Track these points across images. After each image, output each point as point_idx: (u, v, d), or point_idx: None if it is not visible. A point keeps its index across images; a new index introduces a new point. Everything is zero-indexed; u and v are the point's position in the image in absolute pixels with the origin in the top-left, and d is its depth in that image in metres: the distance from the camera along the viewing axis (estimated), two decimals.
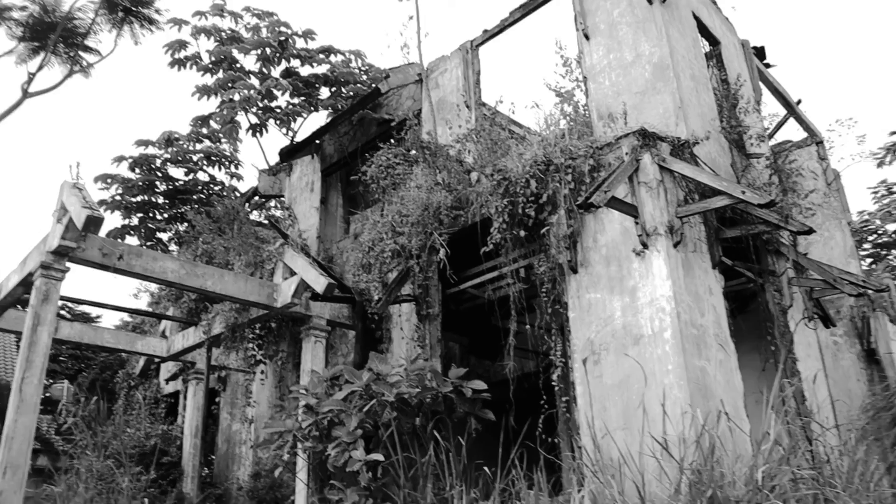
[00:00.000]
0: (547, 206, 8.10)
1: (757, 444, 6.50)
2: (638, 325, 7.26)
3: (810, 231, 7.91)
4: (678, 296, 7.14)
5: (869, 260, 23.94)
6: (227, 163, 18.61)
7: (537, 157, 8.19)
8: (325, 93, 16.67)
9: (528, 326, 8.87)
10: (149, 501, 10.03)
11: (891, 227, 23.62)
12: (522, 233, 8.15)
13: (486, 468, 6.98)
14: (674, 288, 7.11)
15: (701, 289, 7.66)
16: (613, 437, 6.92)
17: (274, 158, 17.91)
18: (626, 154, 7.69)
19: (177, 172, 18.60)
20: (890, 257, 24.07)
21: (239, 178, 19.07)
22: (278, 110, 16.13)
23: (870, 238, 24.17)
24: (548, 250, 8.05)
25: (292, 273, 9.13)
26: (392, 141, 11.12)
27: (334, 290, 8.97)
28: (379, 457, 7.20)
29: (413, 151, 10.40)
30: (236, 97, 15.36)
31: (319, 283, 8.65)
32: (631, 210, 7.40)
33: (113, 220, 19.57)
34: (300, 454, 8.34)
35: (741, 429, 7.09)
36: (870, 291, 10.88)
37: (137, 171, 18.04)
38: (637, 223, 7.39)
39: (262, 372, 11.28)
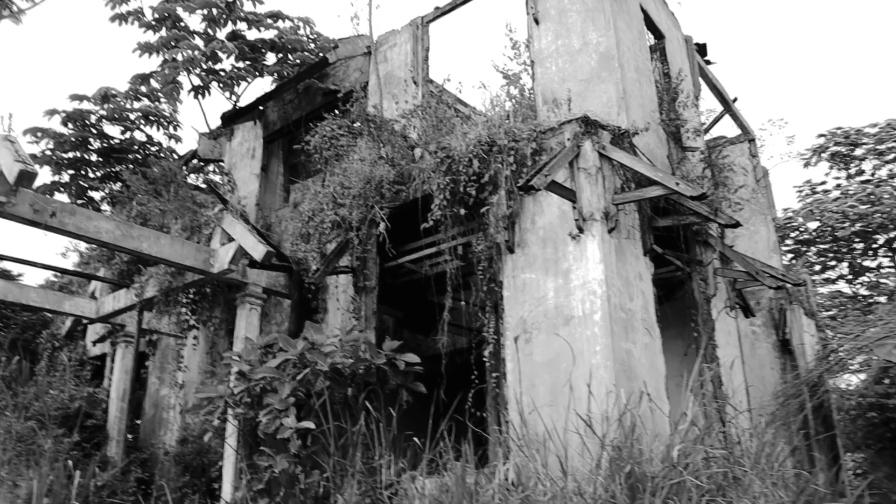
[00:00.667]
0: (488, 186, 8.24)
1: (675, 424, 6.83)
2: (569, 307, 7.50)
3: (737, 225, 8.27)
4: (609, 280, 7.39)
5: (790, 255, 24.98)
6: (165, 123, 18.16)
7: (481, 138, 8.31)
8: (271, 59, 16.39)
9: (462, 303, 9.04)
10: (71, 464, 9.88)
11: (812, 224, 24.67)
12: (462, 211, 8.29)
13: (415, 439, 7.14)
14: (606, 272, 7.36)
15: (632, 274, 7.94)
16: (540, 413, 7.15)
17: (215, 122, 17.57)
18: (569, 140, 7.88)
19: (112, 130, 18.06)
20: (809, 254, 25.17)
21: (178, 139, 18.65)
22: (222, 73, 15.81)
23: (792, 234, 25.21)
24: (486, 229, 8.20)
25: (230, 239, 9.06)
26: (337, 112, 11.07)
27: (272, 258, 8.95)
28: (310, 425, 7.27)
29: (358, 124, 10.39)
30: (179, 57, 14.97)
31: (258, 250, 8.62)
32: (569, 195, 7.60)
33: (42, 175, 18.92)
34: (230, 420, 8.35)
35: (661, 409, 7.42)
36: (788, 285, 11.42)
37: (70, 126, 17.44)
38: (575, 208, 7.61)
39: (195, 337, 11.17)
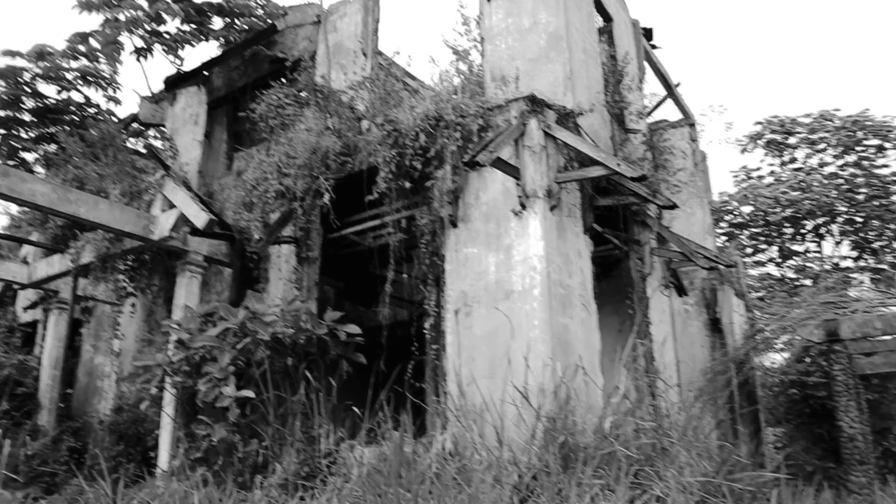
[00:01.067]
0: (434, 161, 8.30)
1: (608, 397, 7.10)
2: (510, 282, 7.66)
3: (674, 206, 8.53)
4: (550, 256, 7.57)
5: (724, 238, 25.79)
6: (105, 85, 17.60)
7: (429, 112, 8.35)
8: (217, 23, 16.03)
9: (405, 276, 9.12)
10: (1, 433, 9.68)
11: (746, 209, 25.49)
12: (408, 184, 8.34)
13: (355, 409, 7.24)
14: (546, 249, 7.53)
15: (571, 251, 8.14)
16: (478, 385, 7.32)
17: (158, 86, 17.13)
18: (515, 118, 7.98)
19: (48, 90, 17.44)
20: (742, 237, 26.03)
21: (117, 102, 18.11)
22: (166, 36, 15.40)
23: (726, 218, 26.02)
24: (431, 203, 8.27)
25: (172, 206, 8.92)
26: (284, 81, 10.94)
27: (215, 226, 8.86)
28: (250, 394, 7.29)
29: (305, 94, 10.30)
30: (122, 17, 14.53)
31: (200, 218, 8.52)
32: (514, 172, 7.73)
33: None
34: (168, 389, 8.29)
35: (595, 383, 7.67)
36: (721, 266, 11.85)
37: (2, 83, 16.78)
38: (518, 185, 7.73)
39: (132, 305, 10.99)
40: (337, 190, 8.99)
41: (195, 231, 9.00)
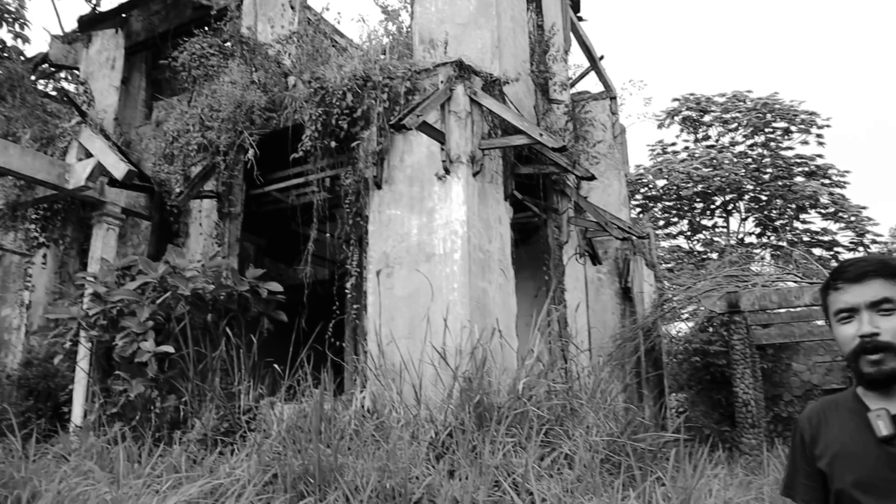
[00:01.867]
0: (360, 121, 8.32)
1: (522, 359, 7.38)
2: (431, 245, 7.81)
3: (593, 177, 8.84)
4: (471, 221, 7.75)
5: (638, 209, 26.67)
6: (11, 20, 16.61)
7: (357, 72, 8.34)
8: None
9: (327, 235, 9.15)
10: None
11: (660, 182, 26.38)
12: (333, 144, 8.34)
13: (275, 366, 7.30)
14: (468, 213, 7.71)
15: (492, 217, 8.35)
16: (398, 345, 7.49)
17: (70, 25, 16.32)
18: (442, 82, 8.07)
19: None
20: (655, 209, 26.97)
21: (25, 40, 17.11)
22: None
23: (641, 190, 26.88)
24: (356, 164, 8.31)
25: (88, 154, 8.63)
26: (208, 29, 10.64)
27: (134, 177, 8.63)
28: (169, 349, 7.25)
29: (230, 44, 10.06)
30: None
31: (119, 168, 8.29)
32: (439, 136, 7.84)
33: None
34: (83, 343, 8.13)
35: (510, 345, 7.96)
36: (634, 237, 12.35)
37: None
38: (443, 149, 7.86)
39: (44, 256, 10.62)
40: (261, 146, 8.90)
41: (113, 182, 8.75)
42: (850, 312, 1.64)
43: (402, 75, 8.29)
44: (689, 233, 27.72)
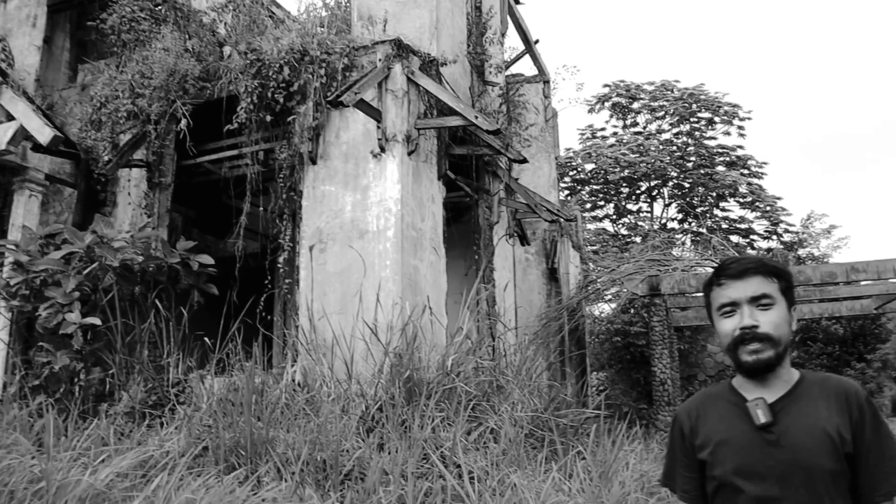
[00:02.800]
0: (296, 96, 8.29)
1: (451, 336, 7.57)
2: (365, 221, 7.89)
3: (524, 160, 9.04)
4: (405, 200, 7.86)
5: (566, 192, 27.20)
6: None
7: (294, 45, 8.29)
8: None
9: (260, 209, 9.10)
10: None
11: (589, 166, 26.96)
12: (269, 117, 8.28)
13: (205, 339, 7.27)
14: (402, 192, 7.81)
15: (425, 196, 8.47)
16: (330, 320, 7.56)
17: None
18: (380, 60, 8.10)
19: None
20: (583, 193, 27.58)
21: None
22: None
23: (570, 173, 27.41)
24: (291, 138, 8.29)
25: (9, 117, 8.32)
26: None
27: (60, 143, 8.36)
28: (96, 321, 7.11)
29: (163, 9, 9.80)
30: None
31: (44, 133, 8.02)
32: (375, 114, 7.89)
33: None
34: (3, 313, 7.89)
35: (440, 322, 8.13)
36: (561, 220, 12.66)
37: None
38: (379, 127, 7.91)
39: None
40: (194, 116, 8.75)
41: (37, 147, 8.45)
42: (733, 307, 1.76)
43: (339, 51, 8.28)
44: (614, 216, 28.45)
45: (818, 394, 1.73)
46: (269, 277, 8.40)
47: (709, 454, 1.79)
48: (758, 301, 1.75)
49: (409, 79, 8.13)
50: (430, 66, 8.63)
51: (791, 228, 26.27)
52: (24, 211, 8.44)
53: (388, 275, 7.64)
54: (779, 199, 26.00)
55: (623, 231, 28.14)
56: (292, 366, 7.45)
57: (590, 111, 27.92)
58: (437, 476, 5.21)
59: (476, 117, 7.77)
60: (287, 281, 8.20)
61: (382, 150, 7.90)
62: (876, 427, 1.67)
